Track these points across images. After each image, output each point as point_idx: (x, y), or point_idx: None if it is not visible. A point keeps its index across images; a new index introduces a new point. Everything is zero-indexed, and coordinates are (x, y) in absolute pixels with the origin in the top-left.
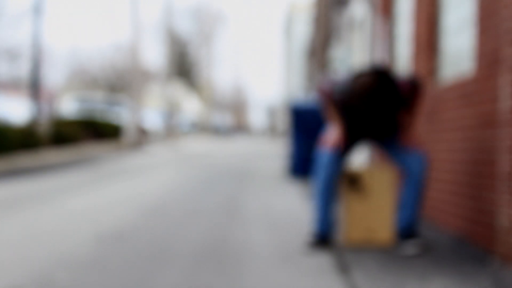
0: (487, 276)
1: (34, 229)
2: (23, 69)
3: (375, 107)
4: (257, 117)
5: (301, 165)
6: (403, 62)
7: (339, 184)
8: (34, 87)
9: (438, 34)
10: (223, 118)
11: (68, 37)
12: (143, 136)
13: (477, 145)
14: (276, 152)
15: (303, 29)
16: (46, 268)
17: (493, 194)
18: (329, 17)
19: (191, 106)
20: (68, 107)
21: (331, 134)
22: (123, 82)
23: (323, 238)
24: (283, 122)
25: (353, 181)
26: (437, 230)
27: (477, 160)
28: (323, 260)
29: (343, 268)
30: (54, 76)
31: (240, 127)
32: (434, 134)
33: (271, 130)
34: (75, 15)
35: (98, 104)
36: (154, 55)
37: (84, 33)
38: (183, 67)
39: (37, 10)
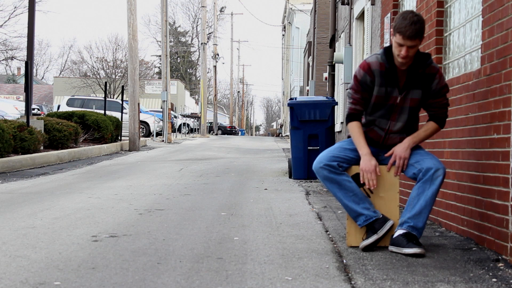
0: (494, 281)
1: (28, 229)
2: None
3: None
4: (258, 116)
5: (302, 166)
6: None
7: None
8: (27, 83)
9: (444, 29)
10: (224, 117)
11: (65, 30)
12: (141, 133)
13: (482, 147)
14: (274, 153)
15: (302, 22)
16: (41, 270)
17: (499, 199)
18: (330, 10)
19: (190, 105)
20: (63, 106)
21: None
22: (122, 78)
23: (369, 229)
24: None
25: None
26: (442, 233)
27: (482, 163)
28: (323, 262)
29: (345, 271)
30: (50, 74)
31: (241, 126)
32: (438, 134)
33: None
34: (74, 8)
35: (93, 102)
36: (153, 51)
37: (82, 25)
38: (182, 65)
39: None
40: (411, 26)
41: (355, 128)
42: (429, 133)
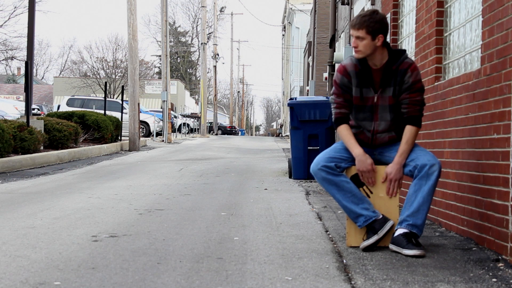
0: (494, 281)
1: (28, 229)
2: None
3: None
4: (258, 116)
5: (302, 166)
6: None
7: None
8: (27, 83)
9: (444, 29)
10: (224, 117)
11: (65, 30)
12: (141, 133)
13: (482, 147)
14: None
15: (302, 22)
16: (41, 270)
17: (499, 199)
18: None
19: (190, 105)
20: (63, 106)
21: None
22: (122, 78)
23: (370, 230)
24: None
25: (358, 180)
26: (442, 233)
27: (482, 163)
28: (323, 262)
29: (345, 271)
30: (50, 74)
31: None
32: (438, 134)
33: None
34: (74, 8)
35: (93, 102)
36: (153, 51)
37: (82, 25)
38: (182, 65)
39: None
40: (358, 17)
41: (344, 131)
42: (411, 140)
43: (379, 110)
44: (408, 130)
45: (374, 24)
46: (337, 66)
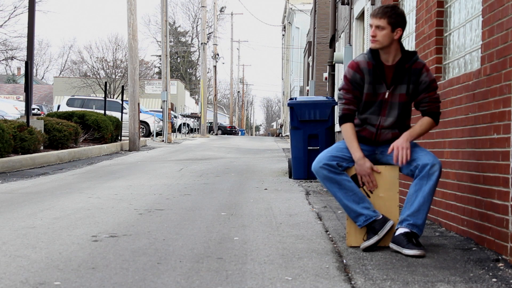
0: (494, 281)
1: (28, 229)
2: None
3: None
4: (258, 116)
5: (302, 166)
6: None
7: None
8: (27, 83)
9: (444, 29)
10: (224, 117)
11: (65, 30)
12: (141, 133)
13: (482, 147)
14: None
15: (302, 22)
16: (41, 270)
17: (499, 199)
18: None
19: (190, 105)
20: (63, 106)
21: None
22: (122, 78)
23: (370, 230)
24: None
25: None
26: (442, 233)
27: (482, 163)
28: (323, 262)
29: (345, 271)
30: (50, 74)
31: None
32: (438, 134)
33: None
34: (74, 8)
35: (93, 102)
36: (153, 51)
37: (82, 25)
38: (182, 65)
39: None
40: (380, 8)
41: (348, 131)
42: (425, 128)
43: (388, 106)
44: (426, 120)
45: (396, 16)
46: (337, 66)
